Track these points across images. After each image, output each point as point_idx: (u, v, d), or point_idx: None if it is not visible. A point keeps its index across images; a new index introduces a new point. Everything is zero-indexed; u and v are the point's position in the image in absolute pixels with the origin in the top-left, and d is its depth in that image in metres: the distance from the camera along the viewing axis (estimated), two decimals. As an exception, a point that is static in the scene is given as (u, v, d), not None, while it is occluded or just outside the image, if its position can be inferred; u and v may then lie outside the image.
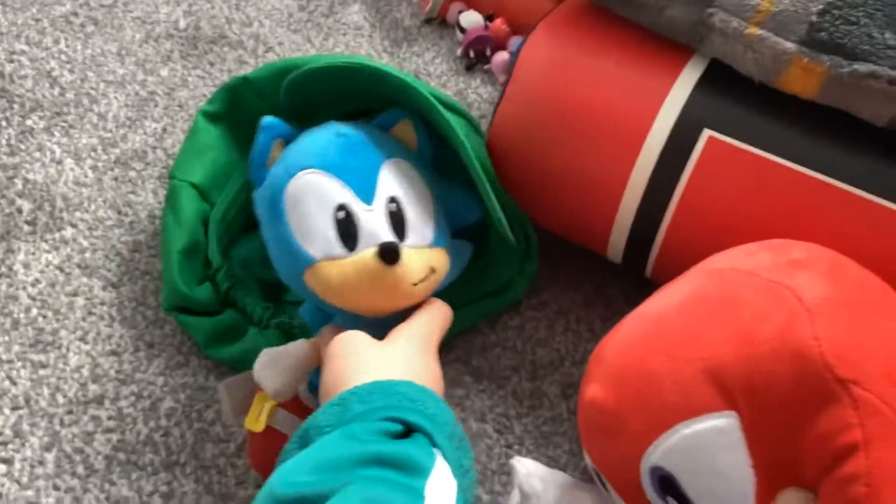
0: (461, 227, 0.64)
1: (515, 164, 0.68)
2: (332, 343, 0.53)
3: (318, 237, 0.55)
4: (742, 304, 0.47)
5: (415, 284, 0.56)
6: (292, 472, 0.42)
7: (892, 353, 0.45)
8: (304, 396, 0.60)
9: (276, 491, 0.41)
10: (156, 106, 0.87)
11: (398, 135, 0.62)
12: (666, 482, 0.47)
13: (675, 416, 0.47)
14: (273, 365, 0.57)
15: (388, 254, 0.54)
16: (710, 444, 0.46)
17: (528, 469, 0.59)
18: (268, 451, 0.58)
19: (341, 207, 0.55)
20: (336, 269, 0.55)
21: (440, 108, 0.59)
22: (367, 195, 0.56)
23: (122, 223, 0.76)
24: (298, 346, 0.57)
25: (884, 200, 0.57)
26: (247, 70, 0.91)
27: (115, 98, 0.87)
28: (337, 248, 0.55)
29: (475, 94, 0.93)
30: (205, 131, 0.71)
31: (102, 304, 0.70)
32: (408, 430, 0.44)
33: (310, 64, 0.67)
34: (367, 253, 0.55)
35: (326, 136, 0.59)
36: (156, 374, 0.67)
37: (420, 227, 0.58)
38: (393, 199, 0.57)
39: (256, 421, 0.58)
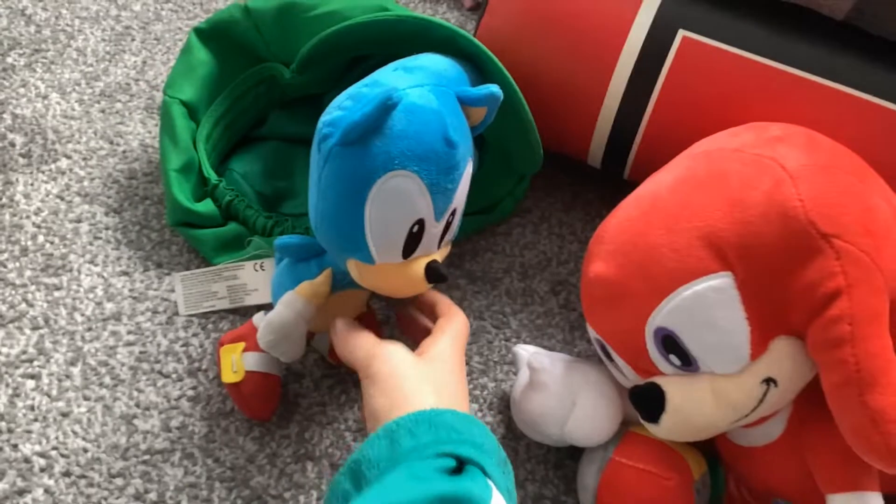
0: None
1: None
2: (373, 361, 0.53)
3: (388, 245, 0.55)
4: (731, 176, 0.52)
5: None
6: None
7: (866, 208, 0.50)
8: (256, 322, 0.63)
9: None
10: (133, 40, 0.88)
11: (469, 111, 0.59)
12: (669, 341, 0.52)
13: (675, 281, 0.52)
14: (287, 339, 0.59)
15: (436, 277, 0.57)
16: (708, 302, 0.51)
17: (532, 349, 0.63)
18: (255, 393, 0.62)
19: (418, 222, 0.55)
20: (386, 272, 0.57)
21: (488, 51, 0.62)
22: (440, 214, 0.57)
23: (116, 152, 0.78)
24: (301, 309, 0.59)
25: (844, 86, 0.62)
26: (218, 4, 0.93)
27: (92, 33, 0.87)
28: (397, 256, 0.56)
29: (442, 19, 0.96)
30: (196, 49, 0.73)
31: (107, 228, 0.72)
32: (461, 463, 0.45)
33: (312, 2, 0.69)
34: (417, 267, 0.57)
35: (436, 137, 0.55)
36: (168, 291, 0.69)
37: (453, 230, 0.60)
38: (453, 212, 0.58)
39: (234, 373, 0.61)
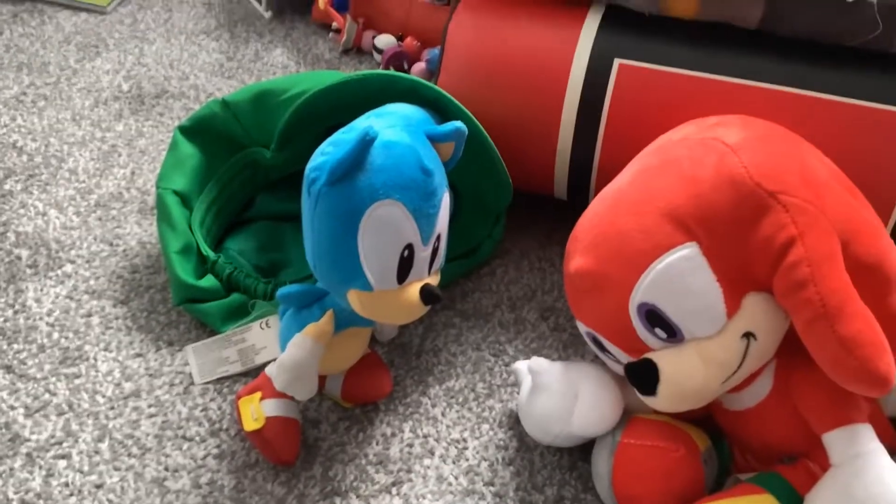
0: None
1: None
2: None
3: (383, 271, 0.60)
4: (681, 160, 0.58)
5: None
6: None
7: (803, 166, 0.56)
8: (269, 372, 0.66)
9: None
10: (119, 156, 0.94)
11: (438, 147, 0.65)
12: (652, 315, 0.57)
13: (647, 257, 0.57)
14: (301, 377, 0.64)
15: (431, 298, 0.63)
16: (680, 271, 0.56)
17: (530, 360, 0.68)
18: (277, 436, 0.65)
19: (408, 247, 0.61)
20: (385, 299, 0.62)
21: (448, 95, 0.69)
22: (426, 238, 0.62)
23: (116, 252, 0.83)
24: (310, 346, 0.63)
25: (767, 84, 0.70)
26: (194, 115, 1.00)
27: (81, 155, 0.94)
28: (393, 282, 0.61)
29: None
30: (182, 144, 0.79)
31: (117, 318, 0.77)
32: None
33: (283, 87, 0.77)
34: (412, 291, 0.62)
35: (413, 167, 0.60)
36: (182, 365, 0.73)
37: (440, 256, 0.66)
38: (438, 237, 0.64)
39: (255, 421, 0.64)
